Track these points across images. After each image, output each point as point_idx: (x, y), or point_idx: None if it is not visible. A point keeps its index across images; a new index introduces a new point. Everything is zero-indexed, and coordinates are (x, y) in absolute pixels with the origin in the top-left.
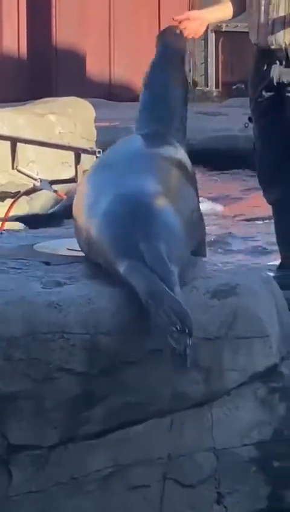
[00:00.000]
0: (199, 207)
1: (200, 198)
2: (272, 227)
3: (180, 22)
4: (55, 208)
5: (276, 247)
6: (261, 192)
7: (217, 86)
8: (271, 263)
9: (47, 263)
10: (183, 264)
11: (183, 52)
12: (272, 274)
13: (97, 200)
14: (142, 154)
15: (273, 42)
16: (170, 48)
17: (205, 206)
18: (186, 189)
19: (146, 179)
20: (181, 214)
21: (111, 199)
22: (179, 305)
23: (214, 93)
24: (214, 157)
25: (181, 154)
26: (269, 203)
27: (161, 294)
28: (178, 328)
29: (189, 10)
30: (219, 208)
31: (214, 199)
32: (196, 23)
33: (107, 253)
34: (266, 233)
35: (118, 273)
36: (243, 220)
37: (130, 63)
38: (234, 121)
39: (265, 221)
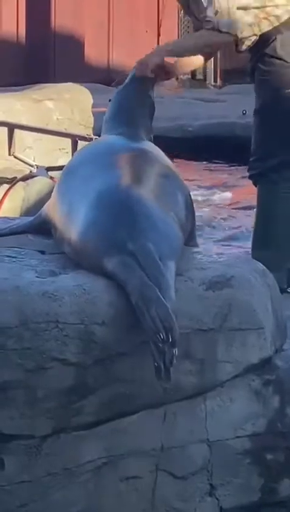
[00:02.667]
0: (186, 198)
1: (195, 186)
2: None
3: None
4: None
5: None
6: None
7: (215, 74)
8: None
9: (42, 252)
10: (176, 260)
11: (152, 83)
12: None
13: (75, 202)
14: (114, 151)
15: None
16: (140, 80)
17: (199, 193)
18: (168, 181)
19: (124, 174)
20: (167, 207)
21: (90, 199)
22: (166, 313)
23: (212, 80)
24: (211, 144)
25: (153, 147)
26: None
27: (150, 298)
28: (162, 336)
29: None
30: (214, 195)
31: (210, 187)
32: (165, 73)
33: (94, 253)
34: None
35: (107, 271)
36: (238, 209)
37: (129, 48)
38: (232, 108)
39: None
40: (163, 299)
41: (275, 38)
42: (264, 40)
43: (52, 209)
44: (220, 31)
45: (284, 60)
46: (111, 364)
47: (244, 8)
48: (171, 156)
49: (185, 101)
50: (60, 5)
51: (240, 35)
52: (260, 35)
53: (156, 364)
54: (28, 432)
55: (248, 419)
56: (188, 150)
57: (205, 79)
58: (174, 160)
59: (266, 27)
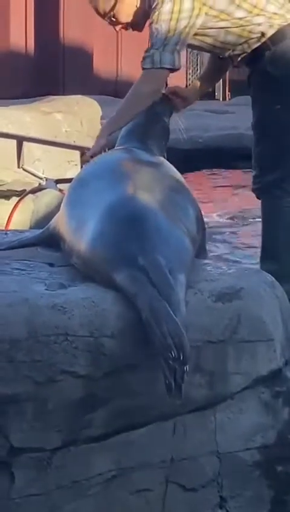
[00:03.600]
0: (196, 211)
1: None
2: None
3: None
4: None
5: None
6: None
7: (223, 84)
8: None
9: (51, 265)
10: (186, 273)
11: (170, 109)
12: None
13: (84, 214)
14: (124, 163)
15: None
16: (159, 106)
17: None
18: (178, 194)
19: (134, 187)
20: (177, 221)
21: (99, 212)
22: (177, 330)
23: (221, 91)
24: (221, 155)
25: (164, 162)
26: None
27: (160, 313)
28: (173, 354)
29: None
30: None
31: (220, 198)
32: (180, 102)
33: (103, 266)
34: None
35: (117, 284)
36: (252, 219)
37: (137, 60)
38: (241, 119)
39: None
40: (173, 314)
41: (264, 54)
42: (255, 56)
43: (61, 222)
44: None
45: (274, 76)
46: (120, 376)
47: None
48: (181, 167)
49: (195, 112)
50: (69, 17)
51: (228, 54)
52: (251, 51)
53: (167, 381)
54: (37, 445)
55: (258, 431)
56: (198, 161)
57: (213, 90)
58: (184, 173)
59: (254, 44)
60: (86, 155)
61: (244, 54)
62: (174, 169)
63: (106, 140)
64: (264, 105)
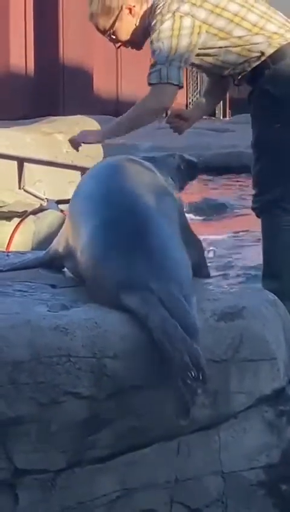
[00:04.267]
0: (190, 228)
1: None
2: None
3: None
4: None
5: None
6: None
7: (224, 102)
8: None
9: (53, 286)
10: (194, 293)
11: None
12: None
13: (88, 234)
14: (124, 179)
15: None
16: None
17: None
18: (176, 212)
19: (136, 205)
20: (179, 241)
21: (104, 232)
22: (193, 350)
23: (221, 109)
24: (222, 173)
25: (160, 179)
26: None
27: (174, 335)
28: (192, 374)
29: None
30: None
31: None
32: (184, 123)
33: (111, 288)
34: None
35: (126, 306)
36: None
37: (137, 80)
38: (241, 137)
39: None
40: (189, 336)
41: (264, 72)
42: (255, 74)
43: (64, 242)
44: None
45: (274, 94)
46: (124, 397)
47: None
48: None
49: (196, 131)
50: (68, 38)
51: (228, 72)
52: (251, 70)
53: (183, 401)
54: (42, 467)
55: (262, 450)
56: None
57: (214, 109)
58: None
59: (254, 62)
60: (73, 139)
61: (245, 73)
62: (164, 183)
63: (97, 142)
64: (264, 123)
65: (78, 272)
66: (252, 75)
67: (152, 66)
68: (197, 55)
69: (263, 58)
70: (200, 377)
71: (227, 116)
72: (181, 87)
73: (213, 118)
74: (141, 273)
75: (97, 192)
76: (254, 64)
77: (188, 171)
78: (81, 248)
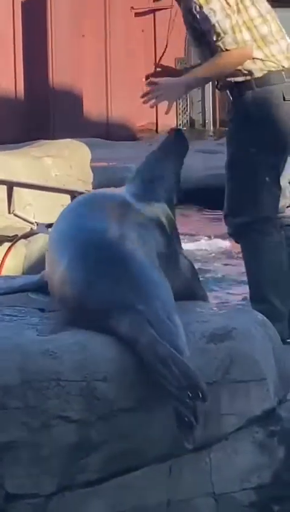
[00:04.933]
0: (176, 251)
1: (204, 237)
2: None
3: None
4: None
5: None
6: None
7: (214, 124)
8: None
9: (42, 310)
10: (177, 313)
11: (184, 152)
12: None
13: (70, 260)
14: (106, 207)
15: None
16: (172, 146)
17: (204, 245)
18: (163, 237)
19: (117, 231)
20: (157, 266)
21: (86, 258)
22: (187, 369)
23: (211, 131)
24: (213, 195)
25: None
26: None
27: (165, 355)
28: (190, 394)
29: (185, 49)
30: (221, 245)
31: (215, 237)
32: (167, 89)
33: (97, 313)
34: None
35: (115, 330)
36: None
37: (127, 102)
38: None
39: None
40: (180, 356)
41: (247, 93)
42: (238, 89)
43: (48, 268)
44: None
45: (254, 118)
46: (114, 420)
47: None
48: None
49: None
50: (58, 61)
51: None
52: (236, 85)
53: (186, 420)
54: (33, 491)
55: (254, 471)
56: (190, 201)
57: (204, 127)
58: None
59: (239, 77)
60: (160, 89)
61: (228, 82)
62: (164, 212)
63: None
64: (239, 145)
65: (61, 298)
66: (235, 88)
67: (219, 35)
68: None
69: (248, 78)
70: (200, 395)
71: (217, 138)
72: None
73: (204, 140)
74: (125, 296)
75: (77, 225)
76: (238, 79)
77: (179, 147)
78: (62, 279)
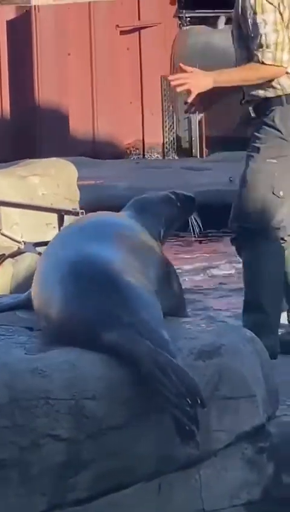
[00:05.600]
0: (169, 272)
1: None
2: None
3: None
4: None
5: None
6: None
7: (200, 141)
8: None
9: (30, 329)
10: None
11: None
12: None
13: (56, 279)
14: (96, 228)
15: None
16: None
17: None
18: (149, 254)
19: (106, 248)
20: (144, 280)
21: (71, 275)
22: (186, 375)
23: (198, 148)
24: (200, 213)
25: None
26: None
27: (165, 363)
28: (189, 401)
29: (171, 67)
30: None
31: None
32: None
33: (86, 329)
34: None
35: (107, 344)
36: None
37: (113, 120)
38: (219, 175)
39: None
40: (176, 362)
41: (275, 109)
42: (265, 106)
43: (33, 291)
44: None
45: (280, 133)
46: (104, 438)
47: None
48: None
49: (172, 170)
50: (43, 79)
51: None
52: (264, 101)
53: (187, 428)
54: (23, 510)
55: (243, 488)
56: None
57: (191, 147)
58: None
59: (269, 93)
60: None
61: (257, 98)
62: (156, 236)
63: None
64: (261, 157)
65: (46, 318)
66: (263, 104)
67: (261, 46)
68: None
69: (279, 93)
70: (199, 402)
71: (204, 155)
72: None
73: (190, 157)
74: (114, 310)
75: (68, 245)
76: (268, 95)
77: (184, 207)
78: (51, 298)
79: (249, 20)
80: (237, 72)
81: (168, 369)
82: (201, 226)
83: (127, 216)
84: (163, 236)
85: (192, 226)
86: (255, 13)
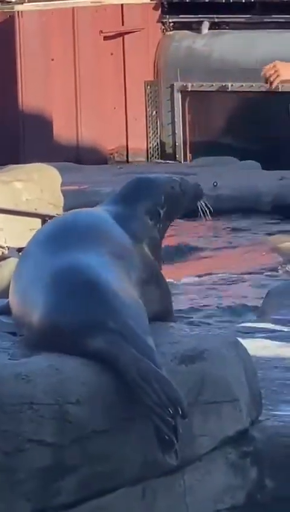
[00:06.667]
0: (156, 274)
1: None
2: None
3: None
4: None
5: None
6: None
7: (184, 146)
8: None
9: (13, 334)
10: (150, 333)
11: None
12: None
13: (34, 285)
14: (76, 228)
15: None
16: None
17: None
18: (134, 257)
19: (87, 252)
20: (127, 284)
21: (52, 281)
22: (169, 385)
23: (182, 153)
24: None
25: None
26: None
27: (148, 371)
28: (170, 411)
29: (154, 73)
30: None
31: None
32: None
33: (70, 335)
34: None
35: (91, 351)
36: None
37: (97, 126)
38: (203, 180)
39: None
40: (160, 371)
41: None
42: None
43: (11, 299)
44: None
45: None
46: (88, 443)
47: None
48: None
49: (156, 175)
50: (27, 85)
51: None
52: None
53: (167, 437)
54: None
55: (227, 492)
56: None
57: (175, 153)
58: None
59: None
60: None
61: None
62: (145, 231)
63: None
64: None
65: (26, 325)
66: None
67: None
68: None
69: None
70: (180, 412)
71: (188, 159)
72: None
73: (174, 161)
74: (96, 316)
75: (47, 243)
76: None
77: (189, 193)
78: (31, 309)
79: None
80: None
81: (151, 378)
82: (211, 210)
83: (109, 211)
84: (164, 217)
85: (202, 211)
86: None
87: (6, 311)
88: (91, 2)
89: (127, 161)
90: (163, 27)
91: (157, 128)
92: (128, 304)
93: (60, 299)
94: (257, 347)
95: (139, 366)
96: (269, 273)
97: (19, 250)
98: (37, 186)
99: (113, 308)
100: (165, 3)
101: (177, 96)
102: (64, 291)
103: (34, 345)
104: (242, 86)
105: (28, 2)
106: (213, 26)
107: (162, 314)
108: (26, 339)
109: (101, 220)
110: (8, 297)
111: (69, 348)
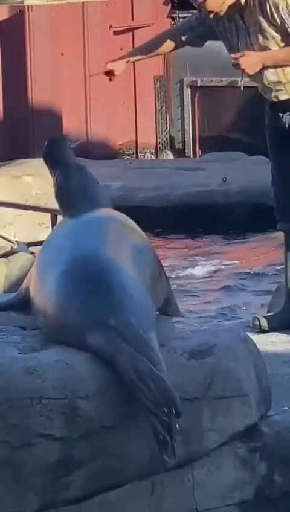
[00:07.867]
0: (158, 268)
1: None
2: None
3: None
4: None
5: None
6: (239, 245)
7: (193, 141)
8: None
9: (23, 328)
10: (155, 331)
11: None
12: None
13: (50, 277)
14: (89, 226)
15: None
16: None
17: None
18: (139, 252)
19: (97, 248)
20: (139, 280)
21: (65, 274)
22: (164, 385)
23: (192, 149)
24: (193, 212)
25: (123, 217)
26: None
27: (144, 371)
28: (165, 410)
29: (164, 68)
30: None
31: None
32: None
33: (74, 330)
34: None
35: (91, 347)
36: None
37: (107, 121)
38: (212, 175)
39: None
40: (156, 370)
41: None
42: None
43: (30, 286)
44: None
45: None
46: (96, 437)
47: None
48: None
49: (166, 170)
50: (37, 80)
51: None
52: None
53: (161, 437)
54: (16, 509)
55: (236, 487)
56: (171, 219)
57: (184, 148)
58: (157, 231)
59: None
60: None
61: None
62: (132, 224)
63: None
64: None
65: (41, 316)
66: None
67: None
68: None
69: None
70: (174, 412)
71: (197, 155)
72: None
73: (184, 157)
74: (100, 313)
75: (65, 239)
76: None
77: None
78: (45, 297)
79: (282, 14)
80: (283, 53)
81: (147, 377)
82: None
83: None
84: None
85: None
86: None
87: (15, 306)
88: None
89: (136, 156)
90: (173, 22)
91: (166, 124)
92: (136, 301)
93: (71, 291)
94: (266, 342)
95: (136, 366)
96: (278, 267)
97: (28, 244)
98: (47, 180)
99: (117, 303)
100: None
101: (187, 92)
102: (76, 283)
103: (48, 334)
104: (251, 81)
105: None
106: None
107: (167, 308)
108: (42, 328)
109: (123, 217)
110: (17, 291)
111: (72, 342)
